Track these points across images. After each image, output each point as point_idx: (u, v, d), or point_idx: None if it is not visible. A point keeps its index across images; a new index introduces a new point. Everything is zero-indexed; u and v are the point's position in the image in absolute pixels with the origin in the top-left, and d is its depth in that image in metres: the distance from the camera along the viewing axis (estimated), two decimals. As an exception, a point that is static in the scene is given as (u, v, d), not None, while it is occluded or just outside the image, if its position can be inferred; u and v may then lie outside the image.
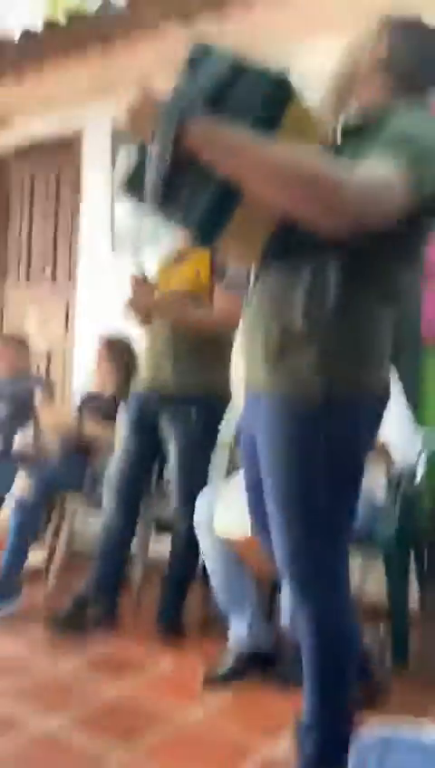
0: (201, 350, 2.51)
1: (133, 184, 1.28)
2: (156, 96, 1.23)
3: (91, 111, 3.85)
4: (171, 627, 2.51)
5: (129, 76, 3.60)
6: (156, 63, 3.47)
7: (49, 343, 4.14)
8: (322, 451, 1.30)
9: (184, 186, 1.21)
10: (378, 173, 1.16)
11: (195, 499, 2.46)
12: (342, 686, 1.38)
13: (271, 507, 1.38)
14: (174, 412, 2.52)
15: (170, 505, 2.63)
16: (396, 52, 1.38)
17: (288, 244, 1.34)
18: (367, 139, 1.26)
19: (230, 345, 2.56)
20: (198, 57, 1.28)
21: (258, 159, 1.16)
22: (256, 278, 1.45)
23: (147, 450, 2.62)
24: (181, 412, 2.50)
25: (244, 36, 3.07)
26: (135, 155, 1.29)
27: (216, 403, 2.56)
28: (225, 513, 2.21)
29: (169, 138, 1.16)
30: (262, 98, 1.22)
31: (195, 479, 2.52)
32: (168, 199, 1.22)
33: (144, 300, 2.50)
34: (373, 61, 1.39)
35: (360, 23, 1.46)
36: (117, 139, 3.75)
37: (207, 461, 2.58)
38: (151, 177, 1.20)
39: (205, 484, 2.55)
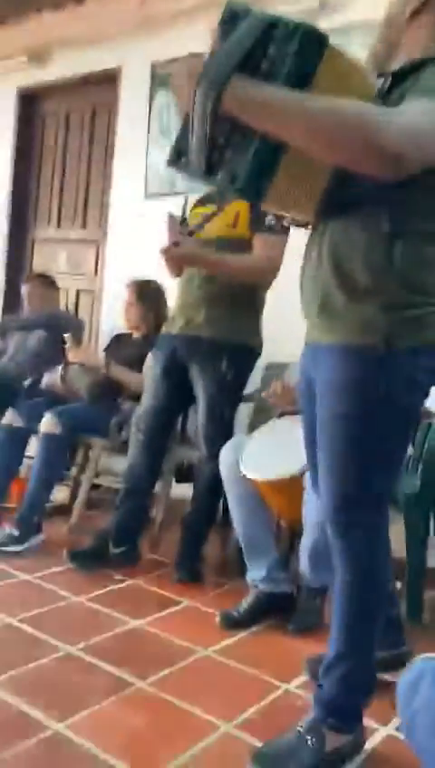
0: (235, 297, 2.49)
1: (178, 155, 1.31)
2: (198, 63, 1.24)
3: (131, 48, 3.75)
4: (189, 575, 2.55)
5: (170, 13, 3.51)
6: (197, 3, 3.38)
7: (78, 285, 4.15)
8: (381, 394, 1.36)
9: (227, 147, 1.23)
10: (418, 116, 1.18)
11: (220, 446, 2.49)
12: (372, 621, 1.46)
13: (327, 445, 1.43)
14: (205, 359, 2.51)
15: (195, 451, 2.66)
16: None
17: (342, 198, 1.36)
18: (411, 85, 1.28)
19: (264, 294, 2.56)
20: (233, 17, 1.27)
21: (296, 112, 1.19)
22: (313, 231, 1.47)
23: (175, 396, 2.63)
24: (212, 359, 2.50)
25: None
26: (179, 125, 1.30)
27: (247, 352, 2.57)
28: (251, 456, 2.24)
29: (209, 102, 1.18)
30: (293, 54, 1.21)
31: (221, 426, 2.54)
32: (212, 164, 1.24)
33: (180, 250, 2.40)
34: (416, 3, 1.38)
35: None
36: (156, 78, 3.66)
37: (235, 409, 2.59)
38: (194, 144, 1.23)
39: (231, 432, 2.57)
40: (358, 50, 2.97)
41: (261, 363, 3.05)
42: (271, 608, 2.24)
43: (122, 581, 2.51)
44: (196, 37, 3.41)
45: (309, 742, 1.42)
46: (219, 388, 2.51)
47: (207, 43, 3.36)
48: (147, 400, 2.65)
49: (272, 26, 1.22)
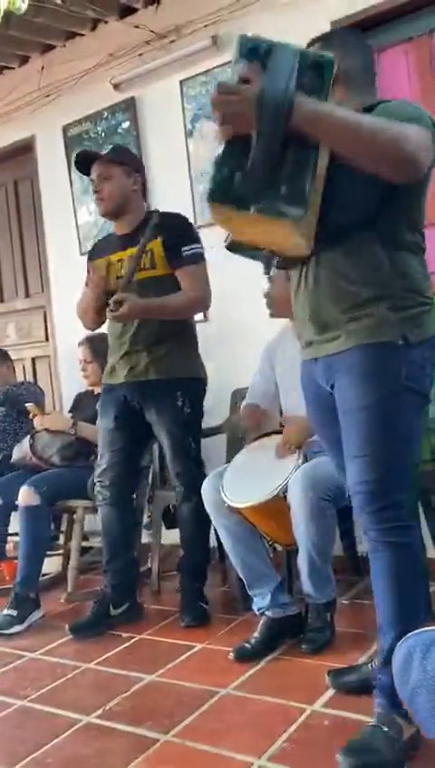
0: (172, 334, 2.53)
1: (225, 186, 1.38)
2: (238, 89, 1.36)
3: (40, 116, 3.83)
4: (196, 618, 2.51)
5: (71, 75, 3.60)
6: (95, 62, 3.49)
7: (32, 353, 4.14)
8: (404, 380, 1.54)
9: (285, 166, 1.36)
10: (416, 131, 1.40)
11: (194, 480, 2.50)
12: (420, 596, 1.60)
13: (359, 436, 1.56)
14: (159, 400, 2.52)
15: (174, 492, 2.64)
16: (348, 66, 1.60)
17: (334, 229, 1.53)
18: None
19: (193, 325, 2.61)
20: (254, 49, 1.39)
21: (355, 127, 1.39)
22: (304, 264, 1.64)
23: (133, 443, 2.63)
24: (167, 398, 2.51)
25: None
26: (221, 159, 1.38)
27: (197, 384, 2.61)
28: (231, 486, 2.24)
29: (281, 118, 1.31)
30: (320, 78, 1.38)
31: (190, 461, 2.55)
32: (270, 184, 1.36)
33: (133, 306, 2.38)
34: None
35: None
36: (69, 140, 3.73)
37: (199, 441, 2.61)
38: (260, 158, 1.34)
39: (201, 464, 2.58)
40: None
41: (226, 392, 3.09)
42: (282, 633, 2.21)
43: (130, 639, 2.46)
44: (100, 94, 3.54)
45: (389, 733, 1.48)
46: (179, 424, 2.52)
47: (109, 96, 3.47)
48: (105, 455, 2.61)
49: (303, 55, 1.38)
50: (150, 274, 2.47)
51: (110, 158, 2.53)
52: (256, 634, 2.20)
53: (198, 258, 2.50)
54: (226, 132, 1.38)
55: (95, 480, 2.65)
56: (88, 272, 2.63)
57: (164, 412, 2.52)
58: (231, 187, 1.37)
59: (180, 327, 2.57)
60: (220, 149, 1.39)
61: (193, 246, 2.50)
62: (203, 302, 2.56)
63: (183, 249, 2.47)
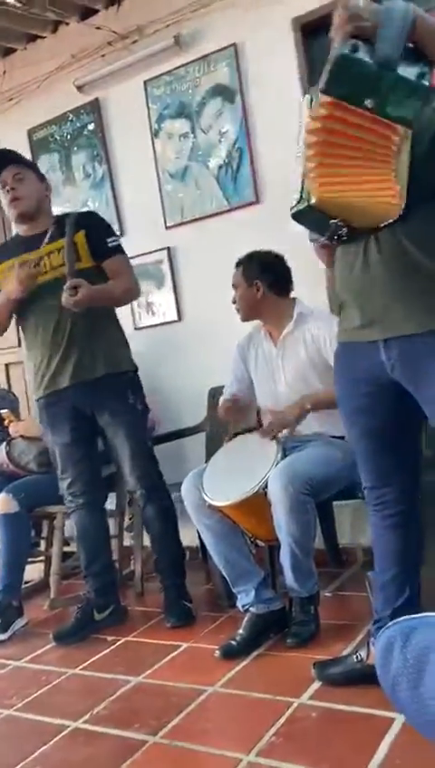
0: (106, 328, 2.53)
1: (343, 74, 1.35)
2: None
3: (4, 120, 3.79)
4: (180, 618, 2.50)
5: (33, 79, 3.58)
6: (58, 64, 3.47)
7: (5, 359, 4.10)
8: None
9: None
10: None
11: (156, 480, 2.53)
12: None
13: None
14: (111, 397, 2.50)
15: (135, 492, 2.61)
16: None
17: (423, 188, 1.44)
18: None
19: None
20: None
21: None
22: (367, 237, 1.54)
23: (94, 450, 2.63)
24: (119, 397, 2.50)
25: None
26: (341, 53, 1.34)
27: (137, 375, 2.62)
28: (212, 484, 2.24)
29: (407, 28, 1.33)
30: None
31: (149, 456, 2.56)
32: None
33: (86, 293, 2.36)
34: None
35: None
36: (35, 143, 3.70)
37: (149, 434, 2.63)
38: (391, 39, 1.33)
39: (157, 462, 2.58)
40: (223, 74, 3.11)
41: (203, 390, 3.09)
42: (268, 628, 2.22)
43: (115, 642, 2.45)
44: (64, 96, 3.51)
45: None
46: (135, 424, 2.53)
47: (73, 98, 3.43)
48: (68, 469, 2.58)
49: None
50: (77, 267, 2.45)
51: (25, 160, 2.59)
52: (241, 631, 2.20)
53: (122, 249, 2.58)
54: (347, 31, 1.35)
55: (65, 493, 2.63)
56: None
57: (118, 412, 2.50)
58: (352, 71, 1.34)
59: (112, 319, 2.58)
60: (339, 47, 1.35)
61: (116, 238, 2.58)
62: (138, 290, 2.66)
63: (108, 240, 2.53)
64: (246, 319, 2.50)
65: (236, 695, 1.91)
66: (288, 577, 2.18)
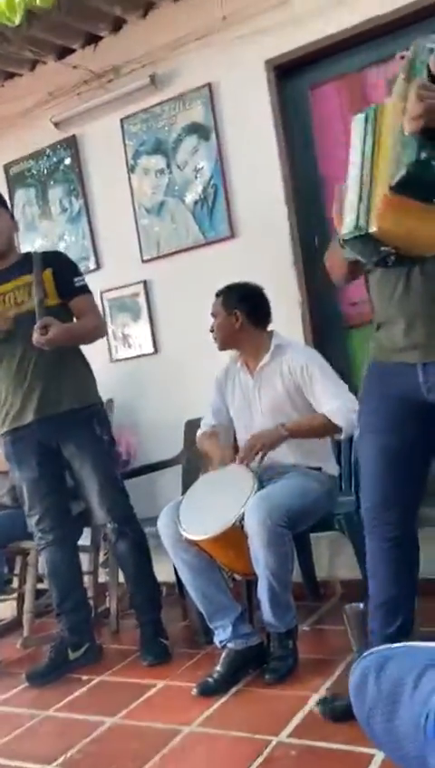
0: (70, 360, 2.53)
1: (418, 176, 1.35)
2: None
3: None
4: (156, 655, 2.45)
5: (12, 114, 3.62)
6: (35, 102, 3.51)
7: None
8: None
9: None
10: None
11: (127, 513, 2.51)
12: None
13: None
14: (78, 430, 2.48)
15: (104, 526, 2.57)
16: None
17: None
18: None
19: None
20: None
21: None
22: (422, 262, 1.59)
23: (62, 485, 2.59)
24: (85, 429, 2.49)
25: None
26: (417, 149, 1.35)
27: (103, 408, 2.63)
28: (188, 518, 2.21)
29: None
30: None
31: (118, 488, 2.54)
32: None
33: (57, 332, 2.36)
34: None
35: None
36: (11, 177, 3.72)
37: (119, 466, 2.61)
38: None
39: (127, 495, 2.56)
40: (198, 112, 3.18)
41: (180, 423, 3.08)
42: (245, 664, 2.19)
43: (90, 682, 2.39)
44: (41, 132, 3.55)
45: None
46: (102, 454, 2.51)
47: (50, 135, 3.45)
48: (36, 506, 2.54)
49: None
50: (47, 304, 2.46)
51: None
52: (218, 667, 2.17)
53: (88, 289, 2.60)
54: (420, 123, 1.35)
55: (34, 529, 2.58)
56: None
57: (84, 444, 2.48)
58: (423, 178, 1.34)
59: (77, 353, 2.58)
60: (412, 140, 1.35)
61: (82, 278, 2.60)
62: (105, 328, 2.75)
63: (75, 280, 2.55)
64: (222, 348, 2.51)
65: (214, 734, 1.87)
66: (266, 611, 2.16)
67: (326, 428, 2.31)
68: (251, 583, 2.35)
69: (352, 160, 1.51)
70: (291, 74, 3.00)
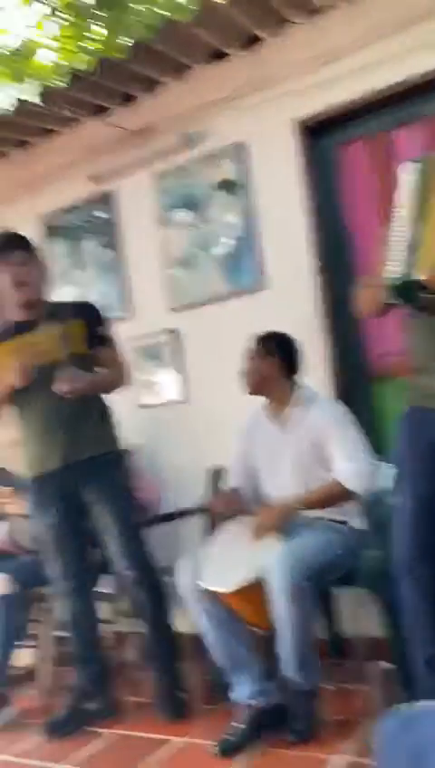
0: (97, 411, 2.56)
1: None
2: None
3: (20, 207, 3.95)
4: (172, 712, 2.41)
5: (50, 169, 3.76)
6: (74, 156, 3.66)
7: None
8: None
9: None
10: None
11: (146, 561, 2.48)
12: None
13: None
14: (99, 478, 2.49)
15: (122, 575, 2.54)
16: None
17: None
18: None
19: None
20: None
21: None
22: None
23: (78, 528, 2.58)
24: (107, 475, 2.50)
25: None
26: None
27: (125, 456, 2.64)
28: (209, 569, 2.20)
29: None
30: None
31: (139, 537, 2.52)
32: None
33: (80, 382, 2.43)
34: None
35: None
36: (49, 229, 3.85)
37: (140, 514, 2.60)
38: None
39: (146, 543, 2.54)
40: (228, 169, 3.27)
41: (201, 470, 3.08)
42: (266, 722, 2.13)
43: (107, 735, 2.35)
44: (78, 186, 3.68)
45: None
46: (121, 498, 2.51)
47: (86, 189, 3.56)
48: (57, 550, 2.54)
49: None
50: (70, 353, 2.51)
51: (33, 248, 2.64)
52: (238, 725, 2.11)
53: (114, 338, 2.66)
54: None
55: (52, 576, 2.58)
56: None
57: (104, 490, 2.49)
58: None
59: (100, 401, 2.60)
60: None
61: (109, 328, 2.66)
62: (129, 378, 2.74)
63: (101, 330, 2.62)
64: (252, 392, 2.51)
65: (234, 795, 1.82)
66: (288, 668, 2.11)
67: (340, 495, 2.29)
68: (273, 638, 2.31)
69: (401, 204, 1.52)
70: (319, 133, 3.09)
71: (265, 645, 2.39)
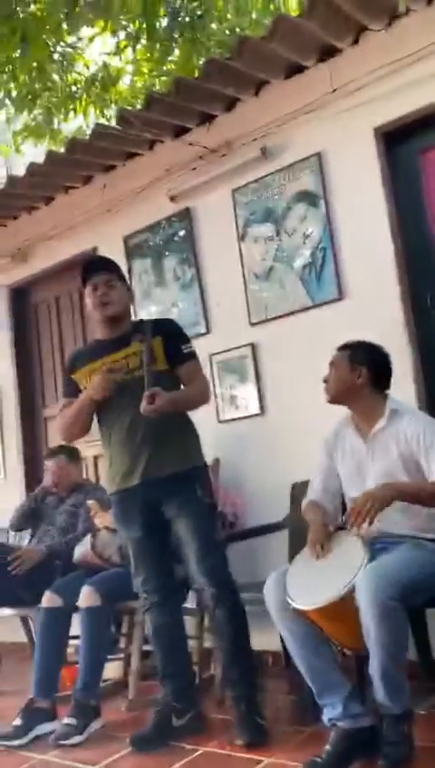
0: (180, 427, 2.56)
1: None
2: None
3: (102, 228, 4.08)
4: (251, 736, 2.32)
5: (130, 190, 3.86)
6: (153, 178, 3.74)
7: (93, 451, 4.21)
8: None
9: None
10: None
11: (227, 578, 2.45)
12: None
13: None
14: (181, 494, 2.49)
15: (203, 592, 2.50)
16: None
17: None
18: None
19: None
20: None
21: None
22: None
23: (167, 546, 2.58)
24: (188, 491, 2.49)
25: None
26: None
27: (206, 472, 2.62)
28: (296, 586, 2.15)
29: None
30: None
31: (220, 553, 2.49)
32: None
33: (164, 400, 2.42)
34: None
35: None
36: (129, 249, 3.94)
37: (218, 531, 2.56)
38: None
39: (227, 560, 2.51)
40: (307, 181, 3.26)
41: (286, 485, 3.04)
42: (356, 746, 2.05)
43: (193, 752, 2.33)
44: (158, 205, 3.76)
45: None
46: (204, 515, 2.49)
47: (166, 208, 3.64)
48: (141, 566, 2.56)
49: None
50: (152, 369, 2.52)
51: (117, 270, 2.72)
52: (327, 747, 2.05)
53: (196, 355, 2.67)
54: None
55: (139, 590, 2.59)
56: (70, 382, 2.69)
57: (185, 504, 2.48)
58: None
59: (183, 418, 2.60)
60: None
61: (190, 345, 2.66)
62: (210, 394, 2.74)
63: (183, 347, 2.62)
64: (333, 401, 2.44)
65: None
66: (378, 691, 2.03)
67: None
68: (363, 658, 2.24)
69: None
70: (400, 140, 3.03)
71: (357, 666, 2.33)
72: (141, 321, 2.77)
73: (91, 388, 2.56)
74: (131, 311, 2.82)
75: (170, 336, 2.62)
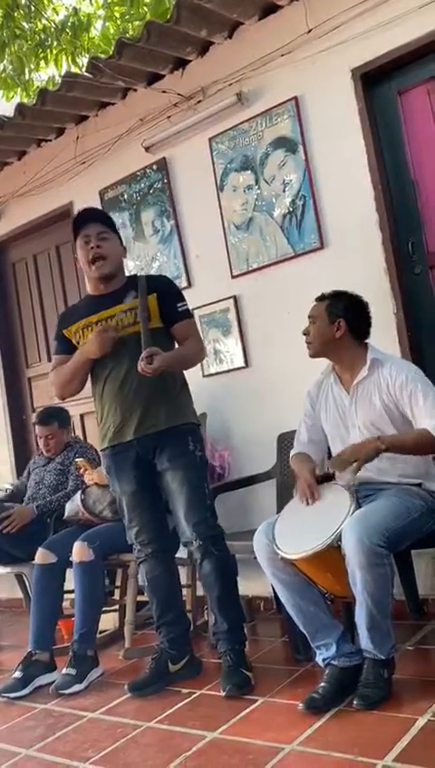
0: (173, 383, 2.56)
1: None
2: None
3: (76, 183, 3.98)
4: (237, 687, 2.33)
5: (103, 143, 3.76)
6: (127, 128, 3.64)
7: (81, 410, 4.21)
8: None
9: None
10: None
11: (214, 531, 2.48)
12: None
13: None
14: (173, 448, 2.51)
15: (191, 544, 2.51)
16: None
17: None
18: None
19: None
20: None
21: None
22: None
23: (160, 499, 2.61)
24: (180, 445, 2.51)
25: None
26: None
27: (198, 428, 2.63)
28: (284, 536, 2.19)
29: None
30: None
31: (209, 511, 2.51)
32: None
33: (161, 360, 2.41)
34: None
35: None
36: (106, 203, 3.87)
37: (208, 486, 2.58)
38: None
39: (216, 514, 2.54)
40: (285, 126, 3.18)
41: (273, 436, 3.07)
42: (350, 683, 2.11)
43: (190, 695, 2.41)
44: (133, 157, 3.67)
45: None
46: (194, 468, 2.51)
47: (141, 159, 3.54)
48: (134, 518, 2.59)
49: None
50: (150, 327, 2.51)
51: (110, 222, 2.67)
52: (324, 684, 2.11)
53: (191, 313, 2.67)
54: None
55: (133, 542, 2.63)
56: (64, 339, 2.66)
57: (177, 457, 2.50)
58: None
59: (177, 375, 2.60)
60: None
61: (185, 303, 2.64)
62: (205, 352, 2.80)
63: (178, 305, 2.60)
64: (315, 355, 2.44)
65: (316, 754, 1.83)
66: (363, 636, 2.07)
67: (429, 444, 2.20)
68: (350, 605, 2.29)
69: None
70: (378, 81, 2.96)
71: (345, 611, 2.39)
72: (135, 276, 2.73)
73: (88, 346, 2.54)
74: (124, 265, 2.75)
75: (165, 294, 2.59)
